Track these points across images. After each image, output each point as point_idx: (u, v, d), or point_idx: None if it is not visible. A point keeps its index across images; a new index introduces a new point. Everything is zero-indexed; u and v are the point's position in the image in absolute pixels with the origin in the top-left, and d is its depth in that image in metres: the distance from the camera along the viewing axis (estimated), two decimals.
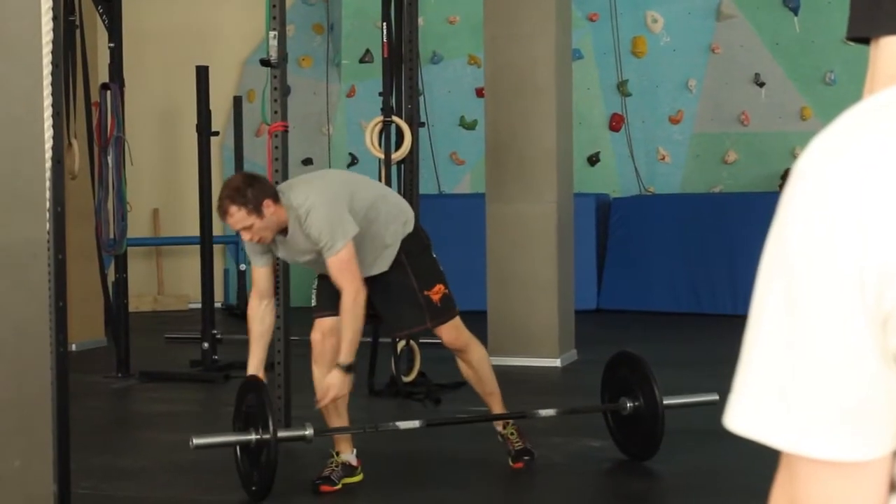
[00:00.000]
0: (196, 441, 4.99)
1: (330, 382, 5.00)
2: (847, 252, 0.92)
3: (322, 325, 5.26)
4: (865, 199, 0.92)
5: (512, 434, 5.49)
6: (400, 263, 5.33)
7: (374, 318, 5.44)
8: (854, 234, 0.92)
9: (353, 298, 4.94)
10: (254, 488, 5.09)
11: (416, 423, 5.35)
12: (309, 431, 5.09)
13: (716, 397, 5.60)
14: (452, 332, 5.38)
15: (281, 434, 5.04)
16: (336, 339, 5.13)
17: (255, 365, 5.21)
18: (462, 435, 5.95)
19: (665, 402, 5.47)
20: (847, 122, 0.96)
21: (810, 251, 0.93)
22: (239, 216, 4.87)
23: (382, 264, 5.28)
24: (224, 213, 4.88)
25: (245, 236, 4.94)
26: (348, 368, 4.98)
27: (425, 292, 5.34)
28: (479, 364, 5.46)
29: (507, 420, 5.52)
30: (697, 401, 5.68)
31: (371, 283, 5.21)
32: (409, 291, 5.33)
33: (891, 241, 0.91)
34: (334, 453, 5.31)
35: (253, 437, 5.04)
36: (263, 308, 5.22)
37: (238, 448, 5.19)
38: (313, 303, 5.33)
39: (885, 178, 0.91)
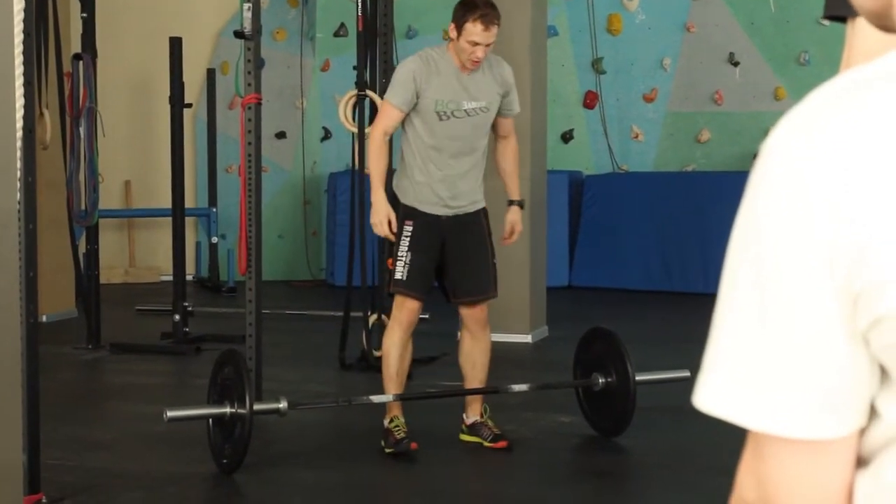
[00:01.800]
0: (170, 413, 4.99)
1: (514, 219, 5.46)
2: (818, 230, 0.92)
3: (415, 307, 5.31)
4: (836, 177, 0.91)
5: (490, 421, 5.51)
6: (481, 224, 5.43)
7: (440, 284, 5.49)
8: (825, 211, 0.91)
9: None
10: (225, 461, 5.09)
11: (388, 397, 5.36)
12: (283, 405, 5.10)
13: (687, 374, 5.63)
14: (486, 307, 5.43)
15: (256, 407, 5.04)
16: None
17: (380, 190, 5.27)
18: (433, 409, 5.96)
19: (637, 378, 5.49)
20: (817, 99, 0.96)
21: (780, 229, 0.93)
22: (493, 33, 5.18)
23: (478, 202, 5.42)
24: (490, 25, 5.15)
25: (479, 54, 5.16)
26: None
27: (493, 259, 5.44)
28: (488, 349, 5.47)
29: (484, 410, 5.52)
30: (669, 377, 5.71)
31: (451, 242, 5.32)
32: (486, 256, 5.43)
33: (862, 218, 0.90)
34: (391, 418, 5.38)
35: (227, 410, 5.04)
36: (384, 143, 5.32)
37: (211, 420, 5.18)
38: (400, 276, 5.29)
39: (856, 154, 0.91)
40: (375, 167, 5.27)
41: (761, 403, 0.94)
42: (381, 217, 5.19)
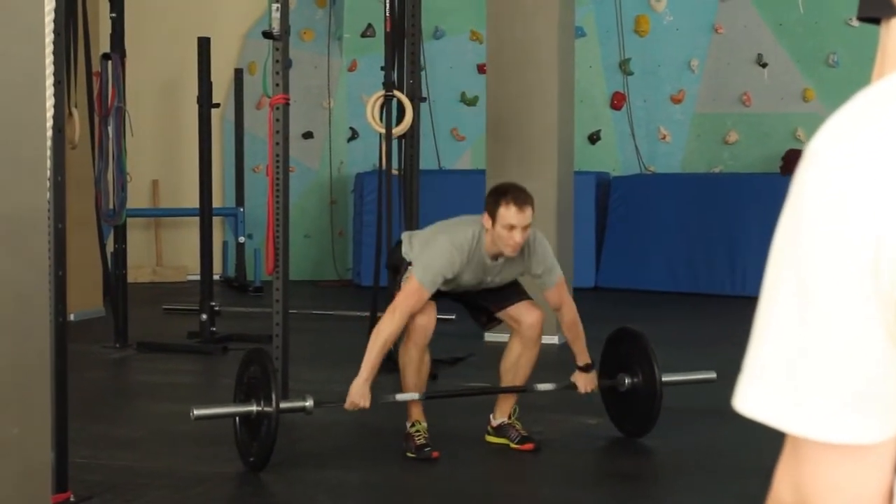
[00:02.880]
0: (196, 412, 5.01)
1: (583, 381, 5.52)
2: (862, 235, 0.91)
3: (429, 309, 5.26)
4: (881, 183, 0.91)
5: (517, 423, 5.50)
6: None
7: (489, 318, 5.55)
8: (869, 217, 0.91)
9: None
10: (251, 459, 5.10)
11: (414, 396, 5.36)
12: (309, 403, 5.12)
13: (713, 375, 5.61)
14: (543, 314, 5.44)
15: (282, 406, 5.06)
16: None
17: (371, 373, 5.17)
18: (459, 409, 5.95)
19: (663, 378, 5.48)
20: (861, 104, 0.96)
21: (823, 234, 0.93)
22: (529, 214, 5.13)
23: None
24: (524, 206, 5.10)
25: (518, 237, 5.09)
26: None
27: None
28: (534, 361, 5.46)
29: (513, 411, 5.51)
30: (696, 378, 5.69)
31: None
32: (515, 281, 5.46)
33: None
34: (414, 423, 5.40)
35: (254, 408, 5.05)
36: (399, 329, 5.20)
37: (237, 419, 5.20)
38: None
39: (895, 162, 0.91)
40: (378, 350, 5.14)
41: (800, 408, 0.94)
42: (357, 400, 5.10)
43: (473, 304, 5.51)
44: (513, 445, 5.44)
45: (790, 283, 0.95)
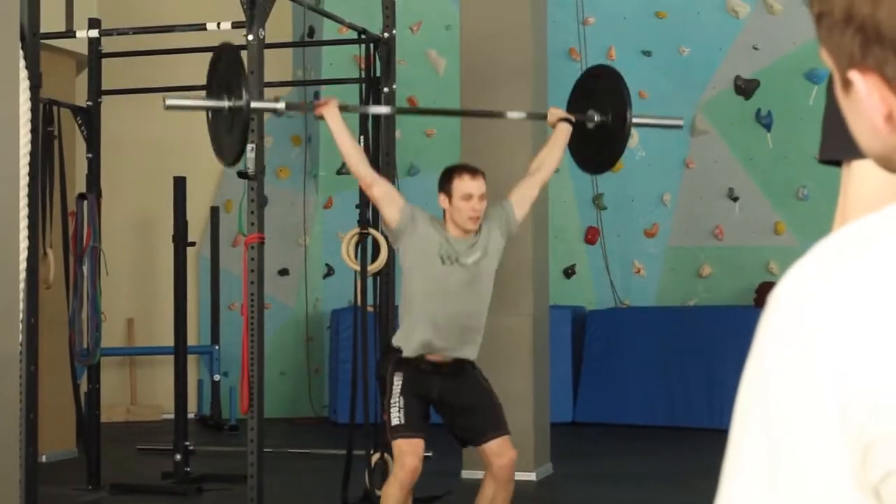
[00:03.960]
0: (168, 102, 5.11)
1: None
2: (827, 383, 0.91)
3: (419, 450, 5.22)
4: (845, 330, 0.92)
5: None
6: (473, 374, 5.42)
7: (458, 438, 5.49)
8: (834, 365, 0.91)
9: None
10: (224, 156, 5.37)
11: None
12: (280, 105, 5.44)
13: (680, 122, 6.04)
14: (514, 454, 5.35)
15: (254, 105, 5.17)
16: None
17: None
18: None
19: (634, 120, 5.57)
20: (826, 250, 0.97)
21: (790, 379, 0.93)
22: (482, 182, 5.29)
23: (471, 351, 5.36)
24: (475, 174, 5.29)
25: (477, 206, 5.22)
26: None
27: (496, 400, 5.43)
28: (509, 496, 5.38)
29: None
30: (664, 123, 5.89)
31: (448, 394, 5.29)
32: (489, 396, 5.40)
33: (871, 371, 0.90)
34: None
35: (226, 103, 5.10)
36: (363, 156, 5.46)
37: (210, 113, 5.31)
38: (397, 422, 5.23)
39: (866, 305, 0.91)
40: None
41: None
42: (325, 101, 5.32)
43: (451, 424, 5.43)
44: None
45: (757, 430, 0.95)
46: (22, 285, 4.26)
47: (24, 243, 4.28)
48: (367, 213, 7.34)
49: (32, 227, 4.47)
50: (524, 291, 8.03)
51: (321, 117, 5.29)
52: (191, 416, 9.58)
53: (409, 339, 5.31)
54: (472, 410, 5.33)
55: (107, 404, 9.21)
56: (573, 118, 5.68)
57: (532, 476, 7.91)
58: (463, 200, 5.20)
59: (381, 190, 5.36)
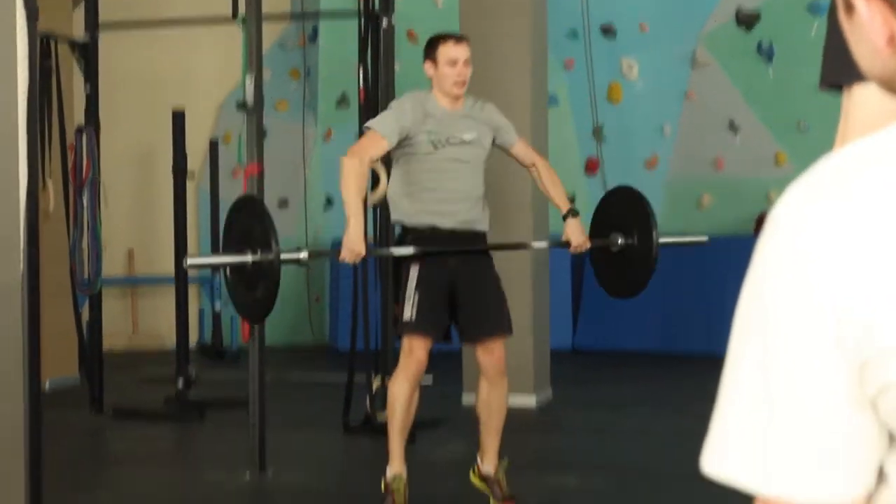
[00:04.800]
0: (190, 261, 5.08)
1: (574, 232, 5.49)
2: (826, 298, 0.93)
3: (426, 347, 5.21)
4: (841, 250, 0.93)
5: (502, 478, 5.46)
6: (491, 268, 5.40)
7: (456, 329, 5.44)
8: (833, 281, 0.93)
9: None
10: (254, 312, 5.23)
11: (409, 250, 5.24)
12: (303, 255, 5.18)
13: (705, 238, 6.01)
14: (503, 350, 5.37)
15: (282, 256, 5.02)
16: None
17: (359, 217, 5.11)
18: (436, 475, 5.93)
19: (659, 240, 5.49)
20: (820, 174, 0.98)
21: (785, 301, 0.95)
22: (467, 48, 5.28)
23: (482, 223, 5.38)
24: (460, 40, 5.30)
25: (462, 70, 5.22)
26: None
27: (505, 301, 5.41)
28: (504, 396, 5.41)
29: (499, 464, 5.46)
30: (688, 240, 5.89)
31: (462, 283, 5.27)
32: (499, 295, 5.38)
33: (866, 291, 0.92)
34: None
35: (250, 258, 5.02)
36: (365, 170, 5.23)
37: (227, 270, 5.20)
38: (409, 317, 5.20)
39: (861, 226, 0.93)
40: (355, 191, 5.10)
41: (767, 468, 0.95)
42: (353, 248, 5.02)
43: (457, 316, 5.38)
44: (493, 503, 5.42)
45: (754, 348, 0.96)
46: (23, 215, 4.27)
47: (24, 173, 4.29)
48: None
49: (32, 158, 4.47)
50: (524, 221, 8.04)
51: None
52: (192, 344, 9.63)
53: (411, 212, 5.31)
54: (479, 305, 5.32)
55: (108, 333, 9.25)
56: (595, 244, 5.64)
57: (532, 402, 7.97)
58: (448, 66, 5.24)
59: (369, 155, 5.25)
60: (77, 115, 8.51)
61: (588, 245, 5.53)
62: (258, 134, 6.12)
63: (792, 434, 0.94)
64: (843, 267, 0.92)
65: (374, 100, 7.40)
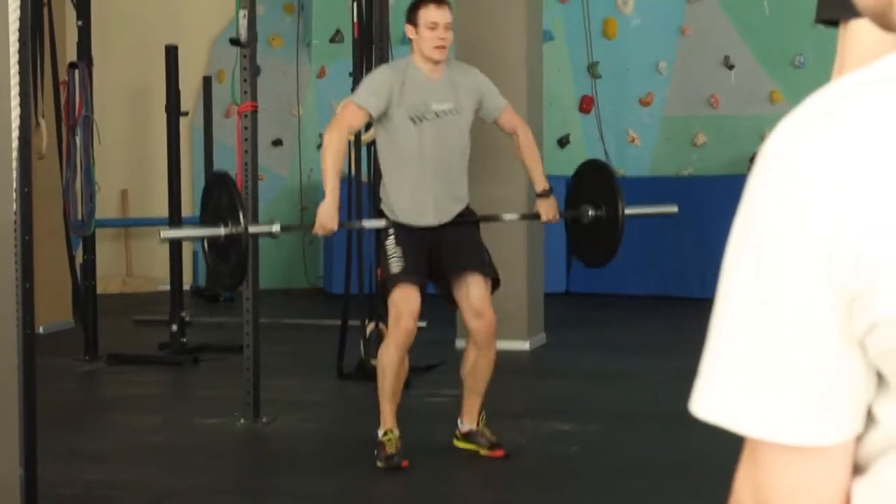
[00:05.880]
0: (163, 234, 5.14)
1: (546, 209, 5.53)
2: (815, 233, 0.91)
3: (415, 305, 5.18)
4: (832, 180, 0.91)
5: (485, 429, 5.46)
6: (469, 223, 5.43)
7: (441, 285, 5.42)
8: (821, 215, 0.91)
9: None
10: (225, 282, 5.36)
11: (381, 223, 5.35)
12: (276, 227, 5.28)
13: (675, 209, 6.01)
14: (486, 294, 5.31)
15: (251, 229, 5.19)
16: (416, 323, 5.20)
17: (335, 193, 5.16)
18: (430, 419, 5.95)
19: (627, 211, 5.62)
20: (814, 104, 0.96)
21: (777, 233, 0.93)
22: (447, 13, 5.25)
23: (462, 201, 5.38)
24: (441, 3, 5.25)
25: (442, 35, 5.19)
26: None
27: (486, 250, 5.43)
28: (492, 363, 5.36)
29: (480, 418, 5.45)
30: (657, 211, 5.98)
31: (441, 240, 5.28)
32: (478, 242, 5.42)
33: (857, 221, 0.90)
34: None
35: (222, 230, 5.12)
36: (343, 146, 5.23)
37: (205, 243, 5.29)
38: (398, 269, 5.20)
39: (851, 158, 0.91)
40: (332, 167, 5.13)
41: (756, 409, 0.94)
42: (324, 222, 5.14)
43: (440, 273, 5.40)
44: (483, 452, 5.41)
45: (745, 283, 0.95)
46: (14, 154, 4.24)
47: (15, 112, 4.25)
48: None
49: (24, 96, 4.42)
50: (517, 161, 8.00)
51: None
52: (186, 287, 9.62)
53: (393, 208, 5.31)
54: (456, 248, 5.31)
55: (102, 276, 9.24)
56: (565, 215, 5.73)
57: (525, 345, 7.99)
58: (428, 29, 5.21)
59: (349, 127, 5.27)
60: (69, 52, 8.45)
61: (558, 218, 5.59)
62: (252, 71, 6.07)
63: (780, 373, 0.93)
64: (836, 197, 0.91)
65: (368, 34, 7.34)
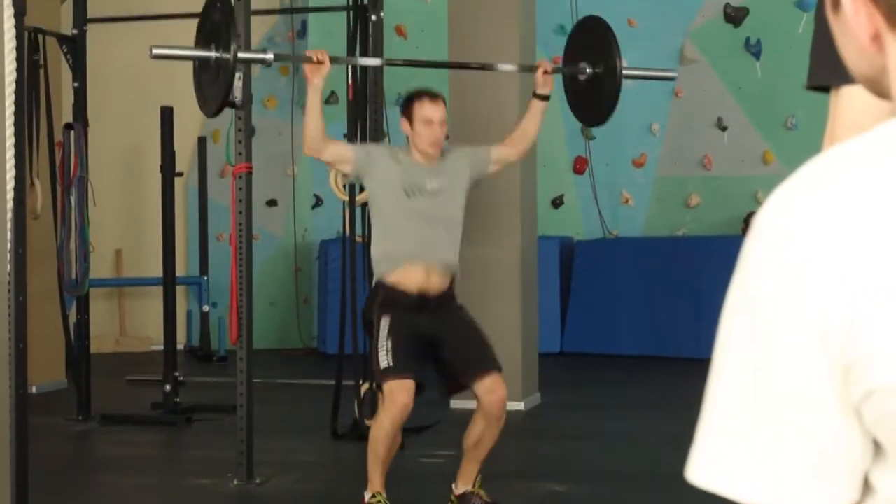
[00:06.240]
0: (155, 51, 5.11)
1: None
2: (812, 300, 0.92)
3: (409, 388, 5.10)
4: (831, 247, 0.92)
5: (482, 490, 5.43)
6: (463, 311, 5.40)
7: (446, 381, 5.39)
8: (815, 285, 0.92)
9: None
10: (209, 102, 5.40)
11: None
12: (269, 56, 5.41)
13: (674, 74, 6.16)
14: (505, 391, 5.28)
15: (241, 55, 5.24)
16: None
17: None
18: (424, 481, 5.91)
19: (624, 72, 5.63)
20: (808, 173, 0.97)
21: (771, 303, 0.93)
22: (442, 108, 5.33)
23: (446, 280, 5.35)
24: (436, 98, 5.35)
25: (436, 130, 5.25)
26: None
27: (486, 337, 5.36)
28: (497, 436, 5.32)
29: (476, 478, 5.42)
30: (656, 74, 5.98)
31: (439, 331, 5.23)
32: (480, 332, 5.35)
33: (851, 291, 0.91)
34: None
35: (213, 54, 5.14)
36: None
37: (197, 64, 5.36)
38: (385, 364, 5.15)
39: (850, 225, 0.92)
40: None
41: (752, 477, 0.94)
42: (317, 54, 5.39)
43: (441, 364, 5.38)
44: None
45: (740, 352, 0.95)
46: (9, 215, 4.25)
47: (10, 173, 4.26)
48: (356, 142, 7.31)
49: (19, 156, 4.44)
50: (512, 222, 8.03)
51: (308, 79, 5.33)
52: (180, 346, 9.61)
53: (385, 271, 5.31)
54: (462, 347, 5.29)
55: (96, 335, 9.23)
56: (562, 70, 5.75)
57: (520, 406, 7.96)
58: (423, 125, 5.24)
59: (330, 153, 5.41)
60: (65, 112, 8.48)
61: (551, 69, 5.69)
62: (246, 132, 6.10)
63: (776, 442, 0.93)
64: (830, 266, 0.91)
65: (363, 97, 7.38)
